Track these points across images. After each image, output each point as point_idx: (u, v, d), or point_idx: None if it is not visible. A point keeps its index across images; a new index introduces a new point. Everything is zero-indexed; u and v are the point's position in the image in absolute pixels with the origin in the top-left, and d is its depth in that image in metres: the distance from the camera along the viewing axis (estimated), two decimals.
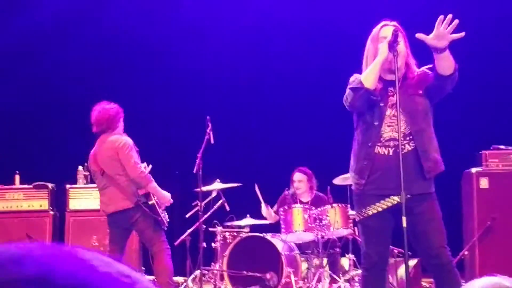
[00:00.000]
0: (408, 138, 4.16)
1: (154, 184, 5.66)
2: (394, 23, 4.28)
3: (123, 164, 5.54)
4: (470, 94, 8.98)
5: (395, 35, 4.11)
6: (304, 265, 6.65)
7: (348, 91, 4.25)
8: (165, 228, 5.78)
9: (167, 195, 5.79)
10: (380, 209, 4.19)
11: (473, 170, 6.53)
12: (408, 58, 4.27)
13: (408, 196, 4.03)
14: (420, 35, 4.00)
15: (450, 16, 3.96)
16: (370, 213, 4.21)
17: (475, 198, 6.43)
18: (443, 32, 3.94)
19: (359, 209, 4.30)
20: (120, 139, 5.63)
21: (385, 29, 4.25)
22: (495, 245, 6.29)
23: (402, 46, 4.18)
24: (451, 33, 3.97)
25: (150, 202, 5.62)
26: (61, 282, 0.55)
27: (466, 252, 6.41)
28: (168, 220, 5.82)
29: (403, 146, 4.11)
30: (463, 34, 3.99)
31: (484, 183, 6.44)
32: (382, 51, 4.13)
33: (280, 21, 8.99)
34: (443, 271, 4.16)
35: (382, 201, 4.18)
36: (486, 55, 8.89)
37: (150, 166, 5.95)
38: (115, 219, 5.68)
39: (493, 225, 6.30)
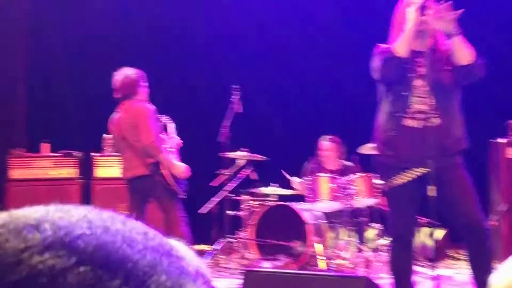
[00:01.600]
0: (434, 112, 4.13)
1: (165, 155, 5.65)
2: None
3: (139, 130, 5.56)
4: (497, 64, 8.86)
5: (423, 1, 4.07)
6: (330, 235, 6.66)
7: (377, 61, 4.21)
8: (183, 197, 5.79)
9: (181, 167, 5.77)
10: (406, 180, 4.17)
11: (501, 140, 6.47)
12: (437, 32, 4.21)
13: (432, 169, 4.02)
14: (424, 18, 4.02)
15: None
16: (397, 183, 4.20)
17: (502, 168, 6.38)
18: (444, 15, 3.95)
19: (386, 180, 4.29)
20: (142, 106, 5.65)
21: None
22: None
23: (431, 12, 4.11)
24: None
25: (160, 172, 5.62)
26: (80, 245, 0.56)
27: (493, 223, 6.38)
28: (186, 189, 5.81)
29: (432, 119, 4.09)
30: (462, 10, 3.96)
31: (511, 153, 6.38)
32: (411, 17, 4.09)
33: None
34: (477, 238, 4.12)
35: (408, 171, 4.16)
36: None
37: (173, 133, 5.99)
38: (133, 185, 5.73)
39: None
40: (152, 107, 5.68)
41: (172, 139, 5.99)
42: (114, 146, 6.53)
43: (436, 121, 4.12)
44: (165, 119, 6.10)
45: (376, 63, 4.23)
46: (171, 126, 6.12)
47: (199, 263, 0.64)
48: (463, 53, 4.05)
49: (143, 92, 5.76)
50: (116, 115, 5.78)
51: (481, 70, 4.16)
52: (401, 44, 4.13)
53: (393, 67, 4.13)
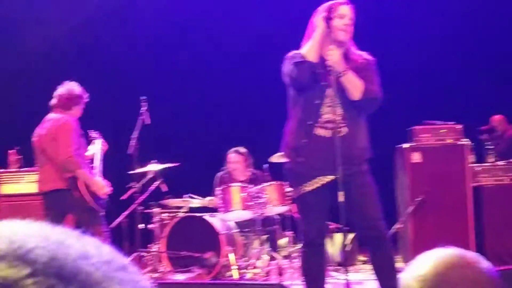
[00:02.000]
0: (342, 122, 4.23)
1: (84, 170, 5.54)
2: (344, 4, 4.31)
3: (59, 144, 5.44)
4: (401, 72, 9.15)
5: (329, 11, 4.19)
6: (243, 244, 6.68)
7: (289, 66, 4.27)
8: (102, 213, 5.70)
9: (100, 183, 5.66)
10: (316, 186, 4.25)
11: (405, 145, 6.66)
12: (348, 42, 4.33)
13: (340, 176, 4.12)
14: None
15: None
16: (307, 190, 4.26)
17: (408, 173, 6.57)
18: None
19: (296, 187, 4.35)
20: (65, 119, 5.53)
21: (342, 8, 4.28)
22: (428, 218, 6.45)
23: (338, 24, 4.23)
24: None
25: (77, 187, 5.51)
26: (33, 257, 0.57)
27: (400, 225, 6.55)
28: (105, 206, 5.72)
29: (341, 129, 4.19)
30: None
31: (416, 157, 6.58)
32: (319, 25, 4.21)
33: None
34: (378, 243, 4.25)
35: (317, 178, 4.24)
36: (410, 36, 9.07)
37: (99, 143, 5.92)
38: (50, 199, 5.59)
39: (426, 198, 6.45)
40: (74, 120, 5.57)
41: (96, 154, 5.89)
42: (26, 165, 6.36)
43: (344, 130, 4.21)
44: (94, 134, 6.03)
45: (287, 67, 4.30)
46: (98, 142, 6.04)
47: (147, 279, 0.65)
48: (352, 90, 4.19)
49: (78, 110, 5.67)
50: (39, 127, 5.65)
51: (373, 105, 4.31)
52: (309, 49, 4.23)
53: (303, 71, 4.21)
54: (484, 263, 1.36)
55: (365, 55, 4.40)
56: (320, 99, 4.24)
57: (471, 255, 1.38)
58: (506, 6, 9.08)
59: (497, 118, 8.64)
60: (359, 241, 6.72)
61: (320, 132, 4.24)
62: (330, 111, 4.23)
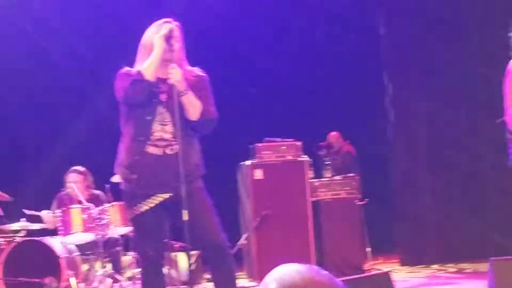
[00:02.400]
0: (173, 139, 4.21)
1: None
2: (172, 20, 4.31)
3: None
4: (243, 90, 9.33)
5: (171, 31, 4.17)
6: (85, 267, 6.47)
7: (125, 83, 4.20)
8: None
9: None
10: (152, 205, 4.20)
11: (248, 162, 6.77)
12: (183, 61, 4.32)
13: (173, 194, 4.11)
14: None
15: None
16: (143, 209, 4.21)
17: (251, 189, 6.68)
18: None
19: (131, 207, 4.28)
20: None
21: (164, 26, 4.27)
22: (271, 233, 6.58)
23: (177, 43, 4.22)
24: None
25: None
26: None
27: (244, 242, 6.63)
28: None
29: (172, 146, 4.18)
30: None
31: (258, 174, 6.71)
32: (158, 43, 4.17)
33: None
34: (219, 258, 4.27)
35: (152, 197, 4.20)
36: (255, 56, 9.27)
37: None
38: None
39: (268, 214, 6.58)
40: None
41: None
42: None
43: (175, 148, 4.19)
44: None
45: (122, 83, 4.22)
46: None
47: None
48: (191, 110, 4.21)
49: None
50: None
51: (210, 126, 4.35)
52: (148, 68, 4.17)
53: (140, 90, 4.16)
54: (337, 284, 1.39)
55: (197, 71, 4.40)
56: (151, 116, 4.21)
57: (315, 270, 1.39)
58: (339, 28, 9.50)
59: (333, 135, 9.00)
60: (203, 258, 6.73)
61: (152, 150, 4.21)
62: (162, 129, 4.21)
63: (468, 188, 7.82)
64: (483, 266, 6.19)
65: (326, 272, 1.41)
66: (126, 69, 4.27)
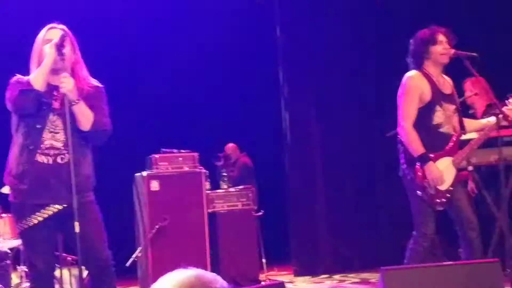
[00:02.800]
0: (65, 149, 4.12)
1: None
2: (62, 26, 4.22)
3: None
4: (139, 101, 9.23)
5: (62, 38, 4.08)
6: None
7: (13, 91, 4.08)
8: None
9: None
10: (41, 218, 4.09)
11: (144, 173, 6.69)
12: (77, 66, 4.23)
13: (65, 205, 4.03)
14: None
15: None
16: (32, 223, 4.09)
17: (146, 200, 6.60)
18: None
19: (20, 219, 4.14)
20: None
21: (52, 32, 4.18)
22: (167, 245, 6.51)
23: (68, 50, 4.13)
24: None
25: None
26: None
27: (139, 254, 6.54)
28: None
29: (63, 156, 4.08)
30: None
31: (155, 185, 6.64)
32: (49, 52, 4.06)
33: None
34: (102, 276, 4.21)
35: (43, 210, 4.09)
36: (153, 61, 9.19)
37: None
38: None
39: (164, 226, 6.52)
40: None
41: None
42: None
43: (66, 157, 4.10)
44: None
45: (12, 93, 4.09)
46: None
47: None
48: (83, 121, 4.14)
49: None
50: None
51: (103, 137, 4.29)
52: (37, 78, 4.06)
53: (29, 100, 4.05)
54: (221, 283, 1.39)
55: (93, 81, 4.33)
56: (41, 124, 4.11)
57: (210, 276, 1.40)
58: (236, 33, 9.57)
59: (230, 146, 9.04)
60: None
61: (42, 159, 4.10)
62: (53, 137, 4.11)
63: (361, 199, 8.03)
64: (375, 276, 6.37)
65: (221, 280, 1.41)
66: (18, 77, 4.16)
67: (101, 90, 4.32)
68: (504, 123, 4.80)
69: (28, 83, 4.07)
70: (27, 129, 4.11)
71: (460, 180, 4.92)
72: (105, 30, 8.72)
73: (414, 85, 4.85)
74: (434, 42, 4.87)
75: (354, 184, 8.04)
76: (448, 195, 4.82)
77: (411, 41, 5.00)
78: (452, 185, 4.83)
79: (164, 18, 9.19)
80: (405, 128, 4.81)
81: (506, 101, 4.91)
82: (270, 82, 8.63)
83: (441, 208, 4.86)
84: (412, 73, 4.93)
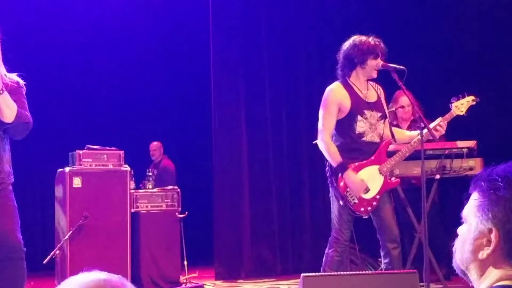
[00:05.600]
0: None
1: None
2: None
3: None
4: (60, 96, 9.05)
5: None
6: None
7: None
8: None
9: None
10: None
11: (67, 169, 6.55)
12: None
13: None
14: None
15: None
16: None
17: (68, 197, 6.45)
18: None
19: None
20: None
21: None
22: (87, 243, 6.39)
23: None
24: None
25: None
26: None
27: (58, 251, 6.39)
28: None
29: None
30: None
31: (77, 182, 6.50)
32: None
33: None
34: (10, 256, 4.11)
35: None
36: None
37: None
38: None
39: (85, 223, 6.39)
40: None
41: None
42: None
43: None
44: None
45: None
46: None
47: None
48: (7, 111, 4.05)
49: None
50: None
51: (25, 129, 4.22)
52: None
53: None
54: (128, 286, 1.36)
55: (14, 76, 4.25)
56: None
57: (116, 278, 1.36)
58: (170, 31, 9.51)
59: (155, 145, 8.95)
60: None
61: None
62: None
63: (285, 205, 8.08)
64: (296, 282, 6.41)
65: (128, 283, 1.37)
66: None
67: (21, 85, 4.25)
68: (429, 137, 4.89)
69: None
70: None
71: (387, 189, 4.99)
72: (34, 24, 8.53)
73: (333, 98, 4.93)
74: (375, 55, 4.91)
75: (280, 189, 8.08)
76: (374, 203, 4.88)
77: (346, 45, 5.02)
78: (378, 193, 4.90)
79: (96, 15, 9.04)
80: (322, 140, 4.89)
81: (451, 105, 4.99)
82: (201, 82, 8.60)
83: (366, 216, 4.93)
84: (333, 85, 5.01)
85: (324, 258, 4.96)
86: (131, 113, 9.53)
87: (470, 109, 5.02)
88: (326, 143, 4.87)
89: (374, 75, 4.99)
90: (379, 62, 4.92)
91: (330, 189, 5.00)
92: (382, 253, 4.96)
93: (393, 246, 4.89)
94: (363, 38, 4.96)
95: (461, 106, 4.97)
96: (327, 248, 4.97)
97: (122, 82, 9.42)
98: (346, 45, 5.01)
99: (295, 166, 8.16)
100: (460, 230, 1.66)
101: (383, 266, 4.97)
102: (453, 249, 1.67)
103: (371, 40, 4.94)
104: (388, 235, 4.89)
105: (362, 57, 4.92)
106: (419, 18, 8.15)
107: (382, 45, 4.96)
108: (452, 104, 4.99)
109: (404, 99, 6.30)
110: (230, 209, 7.88)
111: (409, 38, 7.98)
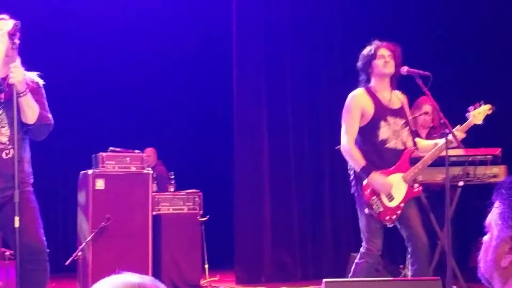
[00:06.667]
0: (9, 144, 4.05)
1: None
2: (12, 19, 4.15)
3: None
4: (88, 98, 9.10)
5: (15, 28, 4.01)
6: None
7: None
8: None
9: None
10: None
11: (90, 171, 6.58)
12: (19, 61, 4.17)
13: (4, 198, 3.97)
14: None
15: None
16: None
17: (91, 199, 6.49)
18: None
19: None
20: None
21: (2, 22, 4.11)
22: (109, 245, 6.42)
23: (18, 41, 4.08)
24: None
25: None
26: None
27: (80, 253, 6.42)
28: None
29: (7, 151, 4.01)
30: None
31: (99, 184, 6.53)
32: (2, 40, 3.99)
33: None
34: (34, 257, 4.13)
35: None
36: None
37: None
38: None
39: (107, 225, 6.42)
40: None
41: None
42: None
43: (11, 152, 4.03)
44: None
45: None
46: None
47: None
48: (29, 113, 4.07)
49: None
50: None
51: (46, 131, 4.26)
52: None
53: None
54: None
55: (34, 77, 4.28)
56: None
57: (149, 282, 1.35)
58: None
59: (149, 151, 8.92)
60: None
61: None
62: None
63: (307, 209, 8.05)
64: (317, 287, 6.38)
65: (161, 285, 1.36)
66: None
67: (40, 85, 4.27)
68: (453, 144, 4.86)
69: None
70: None
71: (411, 197, 4.96)
72: (56, 25, 8.58)
73: (356, 104, 4.94)
74: (374, 56, 4.95)
75: (301, 193, 8.06)
76: (399, 211, 4.85)
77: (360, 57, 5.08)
78: (402, 201, 4.87)
79: (116, 17, 9.08)
80: (345, 146, 4.88)
81: (468, 114, 4.97)
82: (223, 85, 8.60)
83: (391, 225, 4.89)
84: (355, 92, 5.02)
85: (353, 267, 4.91)
86: (153, 115, 9.54)
87: (493, 116, 4.99)
88: (349, 148, 4.85)
89: (386, 73, 4.96)
90: (386, 60, 4.91)
91: (355, 198, 4.97)
92: (410, 260, 4.91)
93: (423, 254, 4.85)
94: (368, 46, 5.02)
95: (478, 115, 4.95)
96: (357, 258, 4.92)
97: (144, 85, 9.44)
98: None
99: (316, 170, 8.14)
100: (484, 239, 1.65)
101: (410, 273, 4.92)
102: (478, 258, 1.66)
103: (371, 43, 5.00)
104: (418, 242, 4.84)
105: (366, 63, 4.97)
106: (440, 24, 8.11)
107: (382, 44, 4.98)
108: (470, 113, 4.96)
109: (427, 106, 6.27)
110: (251, 213, 7.87)
111: (430, 43, 7.94)
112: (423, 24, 8.14)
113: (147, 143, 8.11)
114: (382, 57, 4.93)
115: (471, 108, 4.98)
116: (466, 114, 4.98)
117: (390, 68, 4.94)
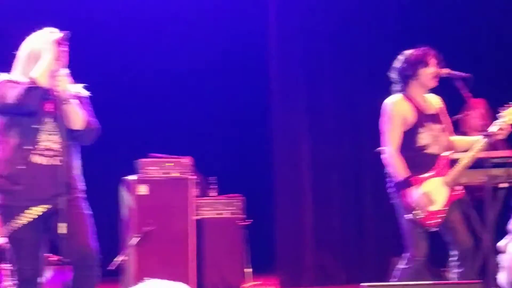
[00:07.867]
0: (59, 150, 4.12)
1: None
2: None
3: None
4: (126, 105, 9.18)
5: (64, 37, 4.12)
6: None
7: (14, 91, 4.04)
8: None
9: None
10: (30, 219, 4.07)
11: (132, 177, 6.68)
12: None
13: (58, 206, 4.01)
14: None
15: None
16: (20, 224, 4.06)
17: (134, 205, 6.58)
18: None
19: (8, 221, 4.11)
20: None
21: (57, 32, 4.20)
22: (152, 250, 6.49)
23: (66, 50, 4.16)
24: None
25: None
26: None
27: (123, 258, 6.52)
28: None
29: (58, 157, 4.10)
30: None
31: (142, 189, 6.62)
32: (50, 49, 4.08)
33: None
34: (86, 262, 4.20)
35: (31, 210, 4.07)
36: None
37: None
38: None
39: (150, 230, 6.50)
40: None
41: None
42: None
43: (61, 159, 4.10)
44: None
45: (6, 92, 4.06)
46: None
47: None
48: (75, 119, 4.15)
49: None
50: None
51: (93, 136, 4.32)
52: (43, 74, 4.06)
53: (35, 98, 4.04)
54: None
55: (80, 89, 4.36)
56: (38, 125, 4.10)
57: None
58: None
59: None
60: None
61: (37, 159, 4.09)
62: (48, 139, 4.11)
63: (348, 213, 8.03)
64: None
65: None
66: (8, 76, 4.15)
67: (85, 95, 4.36)
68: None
69: (32, 80, 4.04)
70: (22, 129, 4.09)
71: (453, 200, 4.91)
72: (95, 32, 8.67)
73: (397, 110, 4.91)
74: (425, 64, 4.89)
75: (342, 196, 8.03)
76: (442, 215, 4.81)
77: (399, 59, 5.01)
78: (445, 205, 4.83)
79: (156, 20, 9.14)
80: (388, 153, 4.86)
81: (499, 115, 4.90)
82: (259, 90, 8.60)
83: (435, 229, 4.86)
84: (393, 98, 4.97)
85: (398, 272, 4.89)
86: (191, 120, 9.55)
87: None
88: (393, 157, 4.84)
89: (432, 84, 4.93)
90: (436, 70, 4.88)
91: (395, 204, 4.95)
92: (454, 264, 4.87)
93: (469, 257, 4.82)
94: (410, 50, 4.96)
95: (510, 115, 4.86)
96: (401, 263, 4.90)
97: (181, 90, 9.46)
98: (397, 62, 5.00)
99: (358, 172, 8.09)
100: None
101: (454, 276, 4.88)
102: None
103: (419, 50, 4.92)
104: (463, 245, 4.81)
105: (413, 69, 4.89)
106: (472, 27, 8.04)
107: (432, 52, 4.92)
108: (502, 114, 4.89)
109: (480, 110, 6.23)
110: (292, 216, 7.87)
111: (462, 43, 7.87)
112: (462, 27, 8.04)
113: (187, 148, 8.15)
114: (433, 67, 4.89)
115: (502, 108, 4.90)
116: (497, 115, 4.92)
117: (437, 80, 4.92)
